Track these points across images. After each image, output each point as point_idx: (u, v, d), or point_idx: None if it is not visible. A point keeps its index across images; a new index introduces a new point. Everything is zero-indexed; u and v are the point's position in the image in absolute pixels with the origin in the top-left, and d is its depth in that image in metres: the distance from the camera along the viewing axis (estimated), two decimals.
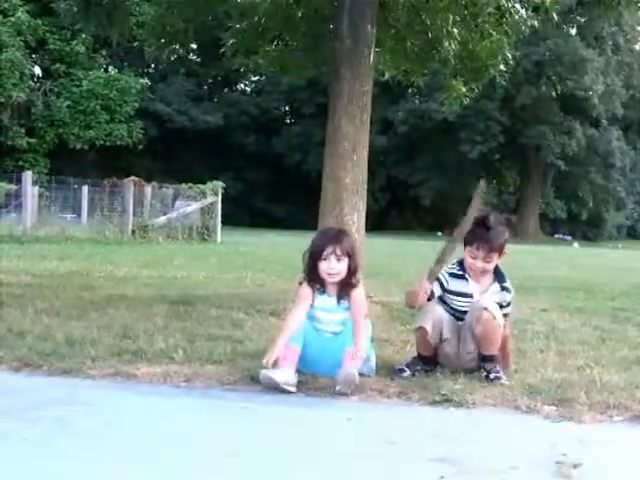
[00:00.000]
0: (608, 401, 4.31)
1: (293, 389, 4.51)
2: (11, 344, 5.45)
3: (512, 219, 57.05)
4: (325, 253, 4.87)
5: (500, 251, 5.00)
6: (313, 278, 4.97)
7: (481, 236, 4.96)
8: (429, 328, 4.92)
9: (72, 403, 4.17)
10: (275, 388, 4.46)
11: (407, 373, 4.92)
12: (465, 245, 5.05)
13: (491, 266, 5.02)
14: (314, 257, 4.93)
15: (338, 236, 5.00)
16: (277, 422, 3.98)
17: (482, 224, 4.98)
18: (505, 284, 5.10)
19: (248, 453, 3.43)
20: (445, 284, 5.08)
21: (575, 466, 3.28)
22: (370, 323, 5.06)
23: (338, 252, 4.86)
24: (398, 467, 3.30)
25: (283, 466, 3.27)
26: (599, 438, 3.79)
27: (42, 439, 3.51)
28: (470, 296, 5.04)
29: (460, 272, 5.08)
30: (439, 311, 5.02)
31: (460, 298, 5.06)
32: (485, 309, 4.85)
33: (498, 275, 5.10)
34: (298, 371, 4.68)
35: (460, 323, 5.06)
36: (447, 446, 3.58)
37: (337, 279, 4.92)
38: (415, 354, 5.17)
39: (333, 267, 4.86)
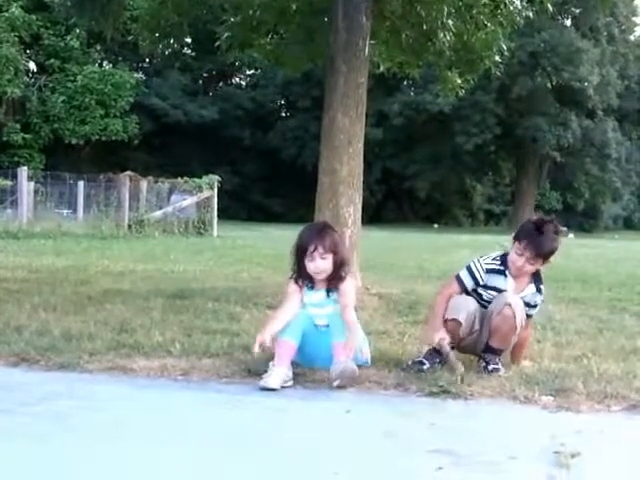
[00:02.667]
0: (606, 391, 4.31)
1: (290, 384, 4.52)
2: (8, 339, 5.45)
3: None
4: (309, 252, 4.90)
5: (546, 258, 4.99)
6: (301, 275, 4.99)
7: (532, 239, 4.94)
8: (463, 321, 4.90)
9: (70, 397, 4.17)
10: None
11: (427, 366, 4.88)
12: (515, 240, 5.03)
13: (533, 269, 5.01)
14: (300, 256, 4.96)
15: (321, 234, 4.99)
16: (275, 415, 3.98)
17: (538, 228, 4.96)
18: (541, 286, 5.11)
19: (246, 446, 3.43)
20: (480, 281, 5.05)
21: (573, 456, 3.28)
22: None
23: (321, 250, 4.88)
24: (396, 459, 3.30)
25: (282, 458, 3.27)
26: (597, 428, 3.79)
27: (40, 434, 3.51)
28: (505, 291, 5.04)
29: (501, 267, 5.05)
30: (472, 304, 5.00)
31: (495, 292, 5.03)
32: (509, 305, 4.84)
33: (536, 277, 5.09)
34: (295, 364, 4.69)
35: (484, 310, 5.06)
36: (445, 437, 3.59)
37: (324, 276, 4.94)
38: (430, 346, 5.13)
39: (318, 266, 4.90)
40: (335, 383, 4.45)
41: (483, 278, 5.05)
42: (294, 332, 4.72)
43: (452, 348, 5.00)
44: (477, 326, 4.99)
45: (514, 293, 4.99)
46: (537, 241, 4.92)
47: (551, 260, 5.05)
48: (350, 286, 5.00)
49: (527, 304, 5.01)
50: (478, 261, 5.11)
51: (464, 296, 5.05)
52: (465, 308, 4.94)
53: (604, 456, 3.43)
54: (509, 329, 4.87)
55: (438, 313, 5.06)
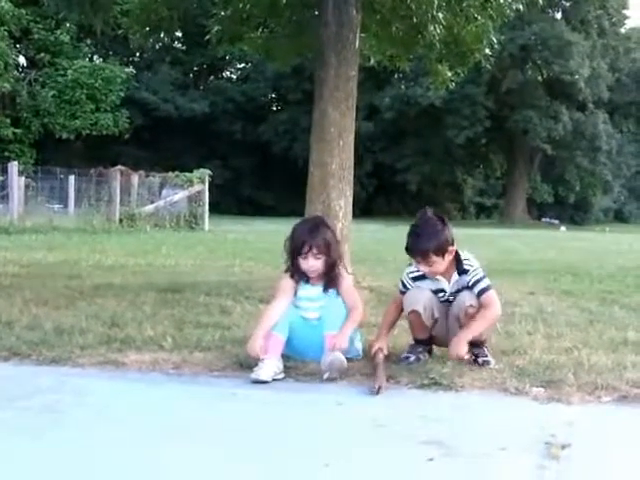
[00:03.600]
0: (596, 382, 4.32)
1: (281, 376, 4.53)
2: None
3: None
4: (302, 251, 4.92)
5: (438, 252, 4.87)
6: (296, 270, 5.01)
7: (411, 245, 4.93)
8: (421, 310, 4.92)
9: (61, 392, 4.17)
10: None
11: (412, 358, 4.91)
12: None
13: (438, 267, 4.93)
14: (293, 253, 4.98)
15: (314, 233, 4.99)
16: (267, 408, 3.99)
17: (411, 232, 4.95)
18: (464, 267, 4.99)
19: (238, 439, 3.44)
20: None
21: (564, 447, 3.29)
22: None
23: (314, 251, 4.90)
24: (387, 450, 3.31)
25: (274, 451, 3.28)
26: (587, 419, 3.81)
27: (31, 428, 3.51)
28: (443, 290, 5.04)
29: (422, 272, 5.06)
30: (426, 293, 5.01)
31: (442, 293, 5.04)
32: (471, 306, 4.87)
33: (457, 263, 5.01)
34: (286, 357, 4.70)
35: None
36: (436, 429, 3.60)
37: (316, 274, 4.98)
38: (410, 341, 5.17)
39: (311, 265, 4.93)
40: (325, 376, 4.46)
41: (413, 286, 5.07)
42: (280, 325, 4.75)
43: (430, 346, 5.12)
44: (437, 314, 5.01)
45: (449, 287, 5.02)
46: (415, 246, 4.91)
47: (451, 250, 4.93)
48: (351, 285, 5.07)
49: (465, 288, 4.97)
50: (405, 272, 5.15)
51: (417, 288, 5.06)
52: (420, 298, 4.97)
53: (594, 447, 3.44)
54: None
55: (383, 322, 5.23)
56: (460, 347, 4.79)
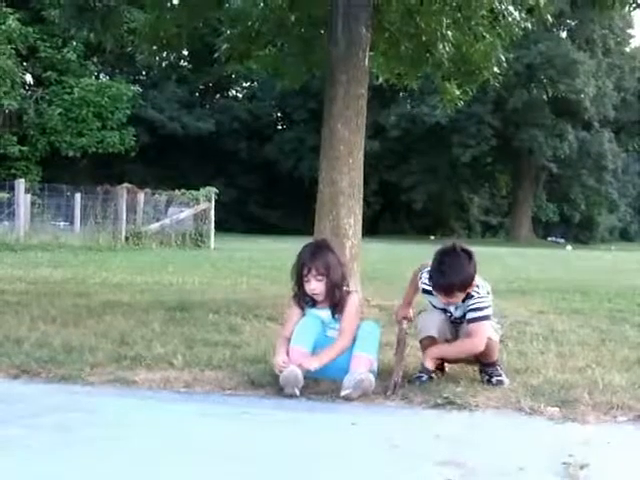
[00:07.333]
0: (611, 401, 4.29)
1: (297, 392, 4.47)
2: (8, 351, 5.42)
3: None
4: (304, 274, 4.94)
5: (462, 289, 4.82)
6: (301, 295, 5.03)
7: (436, 281, 4.85)
8: (436, 335, 4.91)
9: (71, 410, 4.14)
10: (288, 382, 4.45)
11: (425, 378, 4.86)
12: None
13: (457, 300, 4.87)
14: (298, 276, 4.99)
15: (314, 255, 4.99)
16: (279, 427, 3.95)
17: (437, 269, 4.85)
18: (469, 295, 4.92)
19: (250, 458, 3.40)
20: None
21: (582, 467, 3.26)
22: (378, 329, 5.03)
23: (314, 272, 4.91)
24: (403, 471, 3.27)
25: (287, 471, 3.24)
26: (604, 439, 3.77)
27: (42, 446, 3.48)
28: (450, 312, 5.03)
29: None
30: (437, 316, 5.00)
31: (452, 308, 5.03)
32: (476, 335, 4.84)
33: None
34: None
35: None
36: (451, 449, 3.56)
37: (321, 297, 4.97)
38: (422, 360, 5.11)
39: (313, 288, 4.92)
40: (343, 393, 4.39)
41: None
42: (303, 338, 4.74)
43: (441, 366, 5.13)
44: (449, 335, 5.01)
45: (455, 309, 5.01)
46: (439, 283, 4.83)
47: (474, 282, 4.86)
48: (354, 310, 4.98)
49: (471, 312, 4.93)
50: (422, 279, 5.13)
51: (429, 312, 5.08)
52: (434, 323, 4.97)
53: (613, 467, 3.41)
54: (490, 348, 4.89)
55: (405, 298, 5.41)
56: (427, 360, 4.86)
